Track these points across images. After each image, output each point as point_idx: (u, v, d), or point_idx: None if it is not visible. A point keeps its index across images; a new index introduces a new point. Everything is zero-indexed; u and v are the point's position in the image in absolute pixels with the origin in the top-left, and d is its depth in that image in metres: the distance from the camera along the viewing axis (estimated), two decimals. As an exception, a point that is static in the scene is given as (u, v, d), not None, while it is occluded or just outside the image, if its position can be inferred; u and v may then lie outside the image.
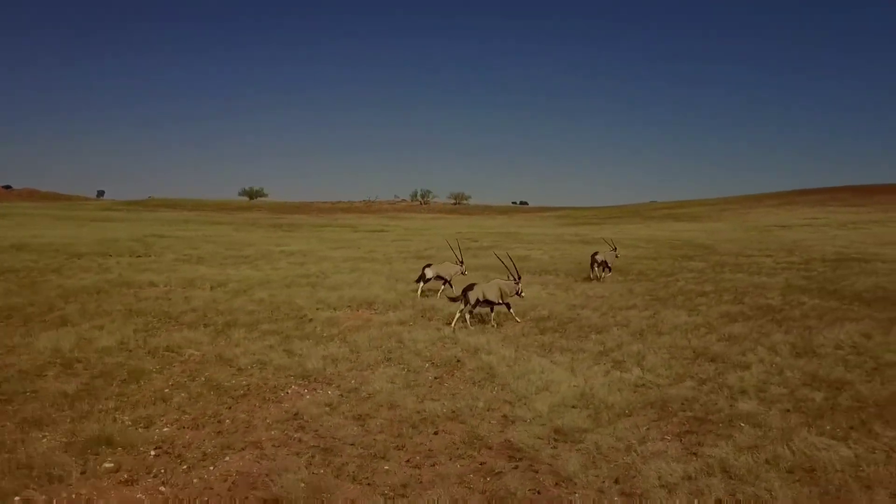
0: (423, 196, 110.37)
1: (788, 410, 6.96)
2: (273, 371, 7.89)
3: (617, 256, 18.60)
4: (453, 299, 11.26)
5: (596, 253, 17.63)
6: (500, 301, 11.01)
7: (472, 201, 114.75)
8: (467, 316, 10.96)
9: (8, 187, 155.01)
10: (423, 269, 14.53)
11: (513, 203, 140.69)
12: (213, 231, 41.48)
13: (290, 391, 7.22)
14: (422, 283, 14.30)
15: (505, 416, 6.57)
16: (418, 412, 6.63)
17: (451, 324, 10.86)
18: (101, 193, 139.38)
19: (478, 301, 10.78)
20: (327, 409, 6.67)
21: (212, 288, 14.80)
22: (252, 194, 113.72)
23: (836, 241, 32.54)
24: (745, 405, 6.95)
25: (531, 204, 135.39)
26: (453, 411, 6.67)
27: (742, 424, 6.48)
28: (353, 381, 7.64)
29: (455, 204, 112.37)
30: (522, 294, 11.39)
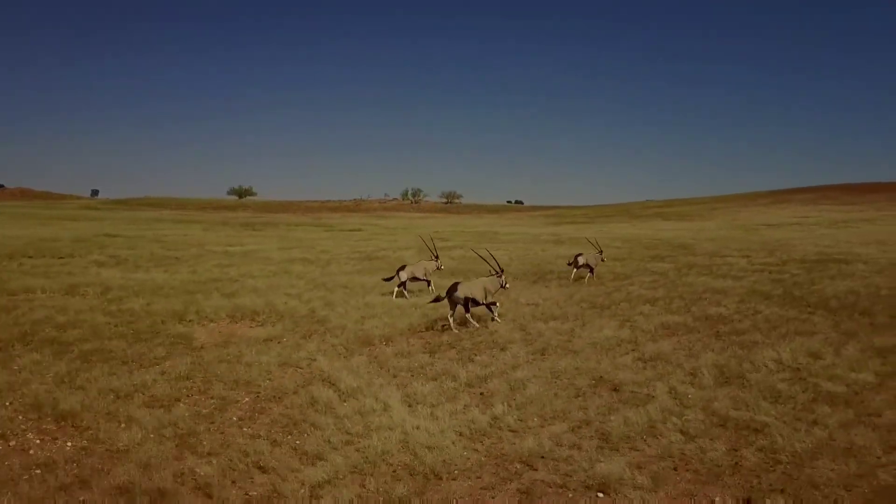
0: (414, 195, 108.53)
1: (675, 469, 5.20)
2: (24, 411, 6.14)
3: (603, 259, 17.55)
4: (434, 300, 10.68)
5: (579, 255, 16.41)
6: (485, 300, 10.33)
7: (464, 200, 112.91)
8: (451, 320, 10.19)
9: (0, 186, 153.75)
10: (398, 271, 13.55)
11: (508, 202, 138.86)
12: (174, 230, 39.78)
13: (14, 443, 5.46)
14: (401, 288, 13.49)
15: (269, 487, 4.80)
16: (157, 479, 4.87)
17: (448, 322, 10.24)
18: (95, 193, 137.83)
19: (466, 300, 10.04)
20: (36, 471, 4.92)
21: (92, 295, 13.08)
22: (241, 193, 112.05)
23: (822, 241, 30.68)
24: (611, 464, 5.18)
25: (527, 203, 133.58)
26: (205, 476, 4.90)
27: (597, 495, 4.72)
28: (119, 426, 5.88)
29: (447, 203, 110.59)
30: (507, 286, 10.97)
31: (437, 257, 14.49)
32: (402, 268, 13.74)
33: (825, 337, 9.74)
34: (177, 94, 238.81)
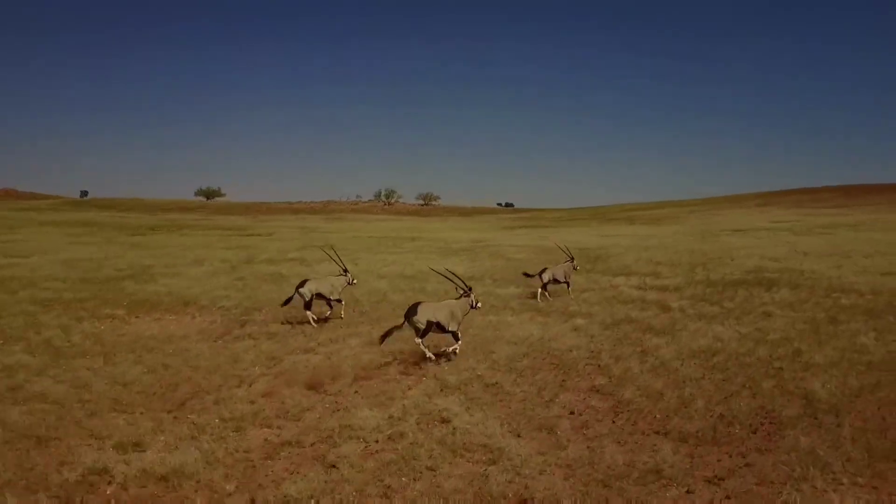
0: (387, 196, 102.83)
1: None
2: None
3: (576, 268, 15.02)
4: (386, 335, 8.73)
5: (544, 269, 13.88)
6: (448, 328, 8.53)
7: (443, 202, 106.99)
8: (423, 345, 8.39)
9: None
10: (297, 289, 11.37)
11: (499, 205, 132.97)
12: (29, 234, 34.34)
13: None
14: (307, 310, 11.34)
15: None
16: None
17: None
18: (84, 193, 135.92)
19: (429, 325, 8.31)
20: None
21: None
22: (209, 194, 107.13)
23: (775, 251, 24.42)
24: None
25: (518, 206, 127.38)
26: None
27: None
28: None
29: (423, 205, 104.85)
30: (478, 305, 9.12)
31: (346, 271, 12.26)
32: (303, 283, 11.42)
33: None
34: (171, 97, 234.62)
